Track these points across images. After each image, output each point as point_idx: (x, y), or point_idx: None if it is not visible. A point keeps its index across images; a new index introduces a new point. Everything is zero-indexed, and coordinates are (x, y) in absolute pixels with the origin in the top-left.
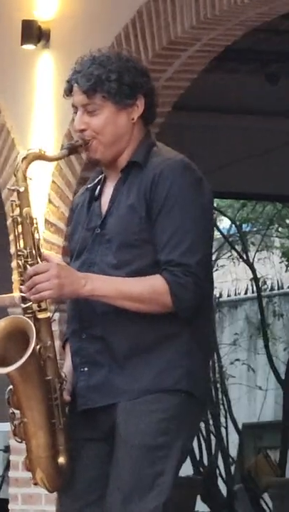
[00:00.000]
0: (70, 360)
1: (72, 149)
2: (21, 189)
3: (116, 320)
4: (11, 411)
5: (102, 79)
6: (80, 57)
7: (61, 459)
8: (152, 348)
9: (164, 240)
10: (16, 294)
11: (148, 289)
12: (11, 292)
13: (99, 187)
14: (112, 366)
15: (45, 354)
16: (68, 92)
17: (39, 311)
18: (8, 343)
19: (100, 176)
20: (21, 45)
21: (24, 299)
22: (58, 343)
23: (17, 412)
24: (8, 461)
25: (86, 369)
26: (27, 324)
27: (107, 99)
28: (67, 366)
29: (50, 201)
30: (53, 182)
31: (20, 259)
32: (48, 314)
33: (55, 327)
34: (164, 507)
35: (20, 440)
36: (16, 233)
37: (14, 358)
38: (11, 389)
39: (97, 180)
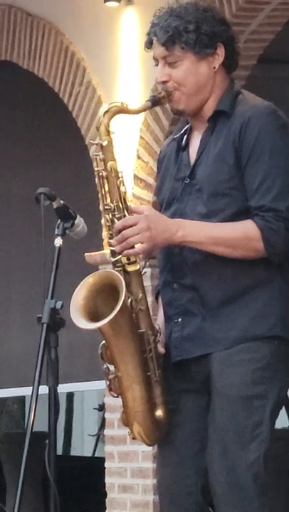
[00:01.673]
0: (162, 313)
1: (155, 101)
2: (104, 143)
3: (207, 269)
4: (105, 366)
5: (180, 30)
6: (158, 10)
7: (158, 412)
8: (244, 296)
9: (255, 186)
10: (106, 251)
11: (240, 234)
12: (102, 250)
13: (185, 137)
14: (205, 315)
15: (137, 307)
16: (149, 44)
17: (128, 264)
18: (99, 297)
19: (186, 126)
20: (104, 2)
21: (113, 253)
22: (150, 299)
23: (111, 367)
24: (104, 420)
25: (180, 320)
26: (116, 278)
27: (186, 50)
28: (160, 318)
29: (138, 157)
30: (141, 138)
31: (108, 214)
32: (138, 267)
33: (146, 282)
34: (264, 457)
35: (116, 395)
36: (102, 188)
37: (105, 313)
38: (104, 343)
39: (183, 130)
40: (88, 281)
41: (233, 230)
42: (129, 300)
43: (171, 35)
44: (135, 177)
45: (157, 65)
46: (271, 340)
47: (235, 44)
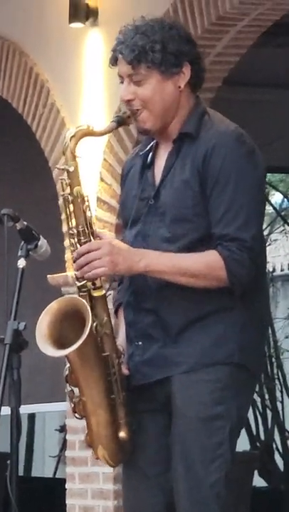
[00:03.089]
0: (124, 331)
1: (121, 121)
2: (71, 168)
3: (169, 294)
4: (69, 389)
5: (146, 49)
6: (122, 27)
7: (122, 433)
8: (205, 321)
9: (219, 215)
10: (69, 273)
11: (203, 265)
12: (64, 272)
13: (151, 154)
14: (166, 340)
15: (102, 331)
16: (113, 61)
17: (94, 289)
18: (63, 324)
19: (152, 143)
20: (69, 23)
21: (78, 278)
22: (114, 321)
23: (76, 389)
24: (65, 441)
25: (140, 343)
26: (81, 304)
27: (152, 69)
28: (122, 337)
29: (102, 179)
30: (105, 160)
31: (73, 238)
32: (103, 292)
33: (110, 304)
34: (226, 477)
35: (80, 417)
36: (68, 212)
37: (70, 339)
38: (69, 367)
39: (148, 146)
40: (52, 307)
41: (196, 260)
42: (94, 324)
43: (138, 54)
44: (98, 199)
45: (122, 82)
46: (230, 364)
47: (200, 62)
